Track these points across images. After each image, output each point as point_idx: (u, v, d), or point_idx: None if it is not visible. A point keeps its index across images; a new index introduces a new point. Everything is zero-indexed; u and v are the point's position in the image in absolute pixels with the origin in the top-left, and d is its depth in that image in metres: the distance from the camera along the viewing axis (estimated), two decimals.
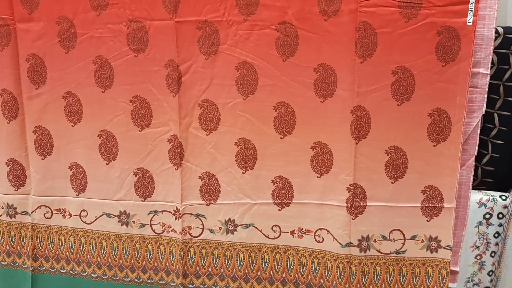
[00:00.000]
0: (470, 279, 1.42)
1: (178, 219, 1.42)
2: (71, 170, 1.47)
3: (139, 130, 1.40)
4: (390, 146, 1.27)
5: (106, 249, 1.49)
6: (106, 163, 1.44)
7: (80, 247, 1.51)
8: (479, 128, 1.29)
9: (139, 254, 1.48)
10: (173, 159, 1.39)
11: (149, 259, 1.47)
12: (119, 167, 1.43)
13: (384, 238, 1.32)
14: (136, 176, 1.43)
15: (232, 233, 1.41)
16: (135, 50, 1.36)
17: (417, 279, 1.33)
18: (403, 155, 1.27)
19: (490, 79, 1.26)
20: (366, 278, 1.34)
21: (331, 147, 1.31)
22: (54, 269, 1.54)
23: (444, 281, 1.32)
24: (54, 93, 1.44)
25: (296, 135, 1.32)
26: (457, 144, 1.25)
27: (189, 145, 1.38)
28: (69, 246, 1.52)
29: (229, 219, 1.40)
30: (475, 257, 1.40)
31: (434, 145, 1.26)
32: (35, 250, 1.54)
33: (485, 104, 1.27)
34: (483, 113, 1.28)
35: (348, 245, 1.32)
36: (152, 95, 1.37)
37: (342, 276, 1.34)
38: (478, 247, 1.39)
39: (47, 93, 1.44)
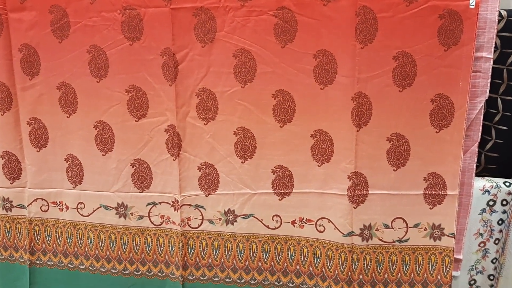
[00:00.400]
0: (474, 267, 1.40)
1: (177, 210, 1.40)
2: (67, 162, 1.45)
3: (135, 120, 1.37)
4: (391, 133, 1.25)
5: (104, 241, 1.47)
6: (103, 155, 1.41)
7: (77, 240, 1.49)
8: (482, 114, 1.27)
9: (137, 247, 1.45)
10: (170, 150, 1.36)
11: (148, 251, 1.45)
12: (116, 158, 1.41)
13: (386, 226, 1.30)
14: (133, 167, 1.40)
15: (232, 224, 1.39)
16: (130, 38, 1.32)
17: (420, 267, 1.31)
18: (405, 142, 1.25)
19: (493, 64, 1.24)
20: (369, 267, 1.32)
21: (332, 135, 1.28)
22: (52, 263, 1.52)
23: (447, 269, 1.30)
24: (48, 84, 1.41)
25: (296, 123, 1.30)
26: (460, 130, 1.23)
27: (187, 135, 1.35)
28: (67, 239, 1.50)
29: (229, 209, 1.38)
30: (479, 245, 1.37)
31: (436, 132, 1.24)
32: (32, 244, 1.51)
33: (488, 89, 1.25)
34: (486, 98, 1.25)
35: (350, 234, 1.30)
36: (148, 84, 1.35)
37: (344, 265, 1.32)
38: (481, 235, 1.37)
39: (41, 83, 1.41)
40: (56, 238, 1.50)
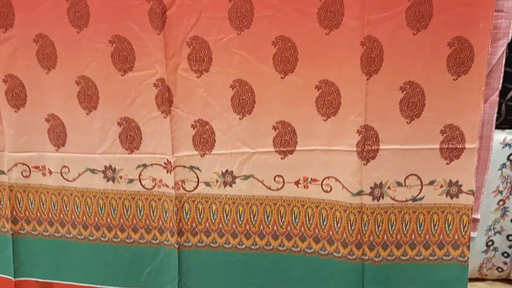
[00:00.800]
0: (492, 227, 1.31)
1: (170, 173, 1.28)
2: (48, 123, 1.32)
3: (121, 75, 1.25)
4: (405, 82, 1.13)
5: (92, 208, 1.36)
6: (87, 113, 1.29)
7: (63, 207, 1.38)
8: (504, 59, 1.15)
9: (128, 212, 1.35)
10: (161, 106, 1.24)
11: (140, 217, 1.34)
12: (101, 117, 1.28)
13: (399, 184, 1.19)
14: (120, 126, 1.28)
15: (231, 186, 1.27)
16: None
17: (436, 228, 1.21)
18: (420, 91, 1.13)
19: None
20: (380, 228, 1.22)
21: (339, 86, 1.16)
22: (36, 232, 1.41)
23: (465, 229, 1.20)
24: (24, 36, 1.27)
25: (299, 73, 1.17)
26: (480, 77, 1.11)
27: (178, 90, 1.23)
28: (51, 206, 1.38)
29: (227, 170, 1.26)
30: (498, 203, 1.28)
31: (454, 79, 1.12)
32: (14, 212, 1.40)
33: (511, 31, 1.12)
34: (509, 40, 1.14)
35: (360, 193, 1.20)
36: (133, 34, 1.21)
37: (353, 227, 1.22)
38: (501, 192, 1.27)
39: (16, 36, 1.28)
40: (40, 205, 1.39)
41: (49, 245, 1.40)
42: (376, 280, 1.23)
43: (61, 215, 1.38)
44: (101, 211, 1.36)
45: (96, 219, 1.36)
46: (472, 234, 1.27)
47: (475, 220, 1.26)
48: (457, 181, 1.18)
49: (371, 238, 1.22)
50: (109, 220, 1.36)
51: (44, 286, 1.42)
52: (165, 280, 1.35)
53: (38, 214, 1.40)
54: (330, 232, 1.25)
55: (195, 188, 1.29)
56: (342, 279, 1.25)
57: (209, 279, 1.33)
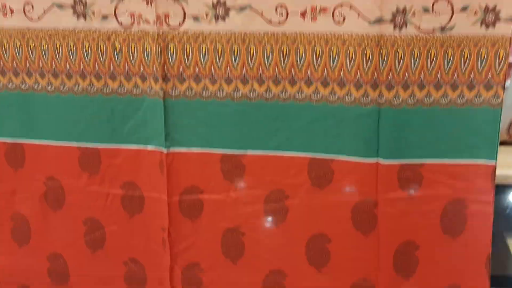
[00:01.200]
0: None
1: (150, 5, 1.07)
2: None
3: None
4: None
5: (62, 52, 1.16)
6: None
7: (28, 53, 1.18)
8: None
9: (104, 56, 1.15)
10: None
11: (118, 62, 1.15)
12: None
13: (426, 10, 0.98)
14: None
15: (223, 20, 1.07)
16: None
17: (466, 64, 1.02)
18: None
19: None
20: (401, 64, 1.02)
21: None
22: (0, 84, 1.22)
23: (501, 65, 1.01)
24: None
25: None
26: None
27: None
28: (15, 53, 1.18)
29: (218, 0, 1.06)
30: None
31: None
32: None
33: None
34: None
35: (379, 21, 0.99)
36: None
37: (369, 64, 1.03)
38: None
39: None
40: (3, 52, 1.19)
41: (16, 100, 1.22)
42: (393, 127, 1.05)
43: (27, 63, 1.19)
44: (72, 56, 1.16)
45: (67, 65, 1.17)
46: (506, 83, 1.09)
47: (510, 65, 1.07)
48: (494, 7, 0.97)
49: (390, 76, 1.03)
50: (82, 66, 1.16)
51: (13, 147, 1.25)
52: (150, 134, 1.16)
53: (1, 63, 1.20)
54: (342, 73, 1.06)
55: (181, 24, 1.09)
56: (353, 127, 1.07)
57: (200, 133, 1.15)
